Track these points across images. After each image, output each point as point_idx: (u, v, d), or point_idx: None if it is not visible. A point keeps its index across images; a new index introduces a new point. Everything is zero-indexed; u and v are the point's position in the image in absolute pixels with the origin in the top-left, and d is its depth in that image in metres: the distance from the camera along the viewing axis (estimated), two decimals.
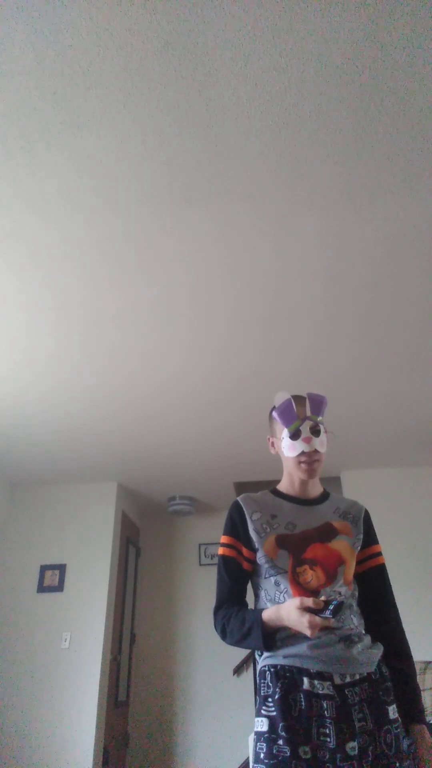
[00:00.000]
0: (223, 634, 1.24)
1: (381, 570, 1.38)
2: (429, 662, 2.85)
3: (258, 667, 1.22)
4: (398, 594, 4.17)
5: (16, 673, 3.82)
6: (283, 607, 1.12)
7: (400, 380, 3.12)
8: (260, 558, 1.27)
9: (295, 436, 1.32)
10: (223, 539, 1.35)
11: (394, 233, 2.08)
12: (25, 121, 1.63)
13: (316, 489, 1.40)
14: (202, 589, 4.95)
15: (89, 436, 3.68)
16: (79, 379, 2.99)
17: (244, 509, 1.34)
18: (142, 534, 5.30)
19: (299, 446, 1.31)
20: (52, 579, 4.13)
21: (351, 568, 1.26)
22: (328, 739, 1.03)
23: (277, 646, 1.16)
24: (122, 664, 4.35)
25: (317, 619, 1.05)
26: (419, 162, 1.79)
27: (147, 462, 4.13)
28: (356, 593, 1.28)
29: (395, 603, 1.38)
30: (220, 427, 3.61)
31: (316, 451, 1.32)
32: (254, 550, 1.28)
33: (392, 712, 1.11)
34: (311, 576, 1.20)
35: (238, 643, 1.21)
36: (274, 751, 1.04)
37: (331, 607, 1.06)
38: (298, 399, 1.37)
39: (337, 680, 1.09)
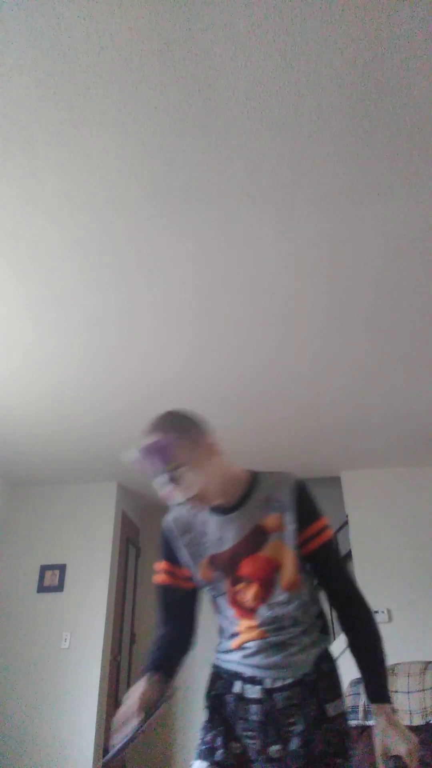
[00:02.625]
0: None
1: (325, 550, 1.21)
2: (429, 662, 2.85)
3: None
4: (398, 594, 4.19)
5: (16, 673, 3.82)
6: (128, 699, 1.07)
7: (401, 380, 3.12)
8: (199, 582, 1.23)
9: (160, 490, 1.18)
10: (158, 566, 1.29)
11: (395, 233, 2.08)
12: (25, 121, 1.63)
13: (237, 488, 1.22)
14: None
15: (89, 436, 3.68)
16: (80, 380, 2.99)
17: (172, 535, 1.26)
18: (142, 534, 5.30)
19: (169, 500, 1.18)
20: (52, 579, 4.13)
21: (288, 569, 1.16)
22: (253, 743, 1.07)
23: (218, 652, 1.21)
24: (122, 664, 4.35)
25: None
26: (419, 162, 1.79)
27: None
28: (303, 591, 1.19)
29: (347, 581, 1.23)
30: (221, 427, 3.60)
31: (189, 499, 1.15)
32: (191, 574, 1.24)
33: (333, 709, 1.09)
34: (249, 594, 1.16)
35: None
36: (207, 737, 1.11)
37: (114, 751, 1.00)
38: (143, 452, 1.17)
39: (267, 684, 1.10)
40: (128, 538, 4.77)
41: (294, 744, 1.04)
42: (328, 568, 1.23)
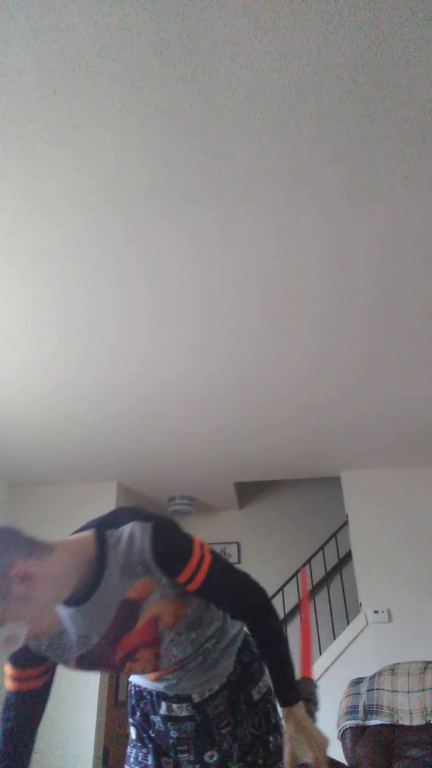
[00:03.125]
0: None
1: (208, 584, 1.03)
2: (429, 662, 2.85)
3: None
4: (398, 594, 4.19)
5: None
6: None
7: (401, 380, 3.12)
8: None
9: None
10: (5, 670, 1.09)
11: (395, 233, 2.08)
12: (25, 121, 1.63)
13: (83, 571, 0.98)
14: None
15: (89, 436, 3.68)
16: (80, 380, 2.99)
17: (30, 646, 1.06)
18: None
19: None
20: None
21: (167, 613, 1.03)
22: (186, 755, 1.07)
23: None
24: None
25: None
26: (419, 162, 1.79)
27: (147, 462, 4.14)
28: (190, 610, 1.07)
29: (241, 594, 1.08)
30: (221, 427, 3.61)
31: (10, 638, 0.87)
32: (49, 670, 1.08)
33: (257, 692, 1.09)
34: (141, 666, 1.05)
35: None
36: (140, 758, 1.11)
37: None
38: None
39: (196, 699, 1.07)
40: None
41: (227, 743, 1.05)
42: (218, 596, 1.07)
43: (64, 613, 0.98)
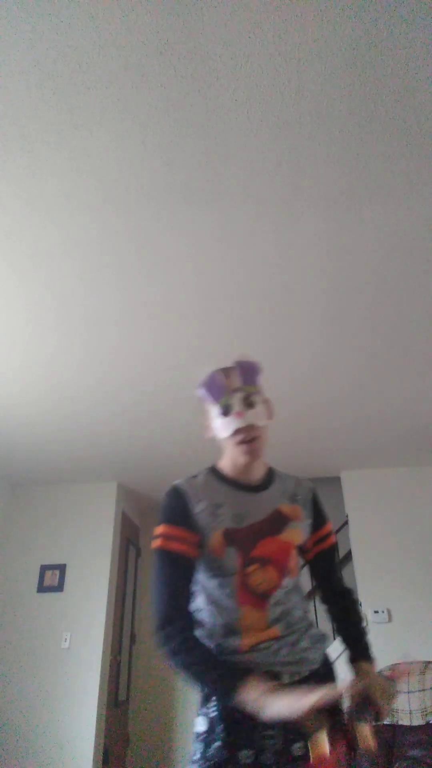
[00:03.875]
0: (184, 668, 1.00)
1: (331, 551, 1.27)
2: (429, 662, 2.85)
3: None
4: (398, 594, 4.18)
5: (16, 672, 3.82)
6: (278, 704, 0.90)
7: (400, 380, 3.12)
8: (205, 556, 1.10)
9: (226, 411, 1.15)
10: (165, 530, 1.11)
11: (395, 233, 2.08)
12: (25, 121, 1.63)
13: (260, 470, 1.22)
14: None
15: (89, 436, 3.68)
16: (80, 379, 2.99)
17: (188, 497, 1.14)
18: (142, 534, 5.30)
19: (232, 423, 1.13)
20: (52, 579, 4.13)
21: (294, 557, 1.16)
22: (273, 741, 0.95)
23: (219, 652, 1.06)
24: (122, 664, 4.35)
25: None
26: (419, 162, 1.79)
27: (147, 462, 4.14)
28: (299, 584, 1.19)
29: (342, 578, 1.31)
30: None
31: (252, 426, 1.14)
32: (199, 545, 1.10)
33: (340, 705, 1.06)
34: (262, 578, 1.07)
35: (196, 686, 1.05)
36: (209, 754, 0.96)
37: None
38: (226, 370, 1.20)
39: (285, 679, 1.01)
40: (128, 538, 4.77)
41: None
42: (331, 567, 1.28)
43: (229, 492, 1.16)
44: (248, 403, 1.16)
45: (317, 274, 2.29)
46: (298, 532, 1.17)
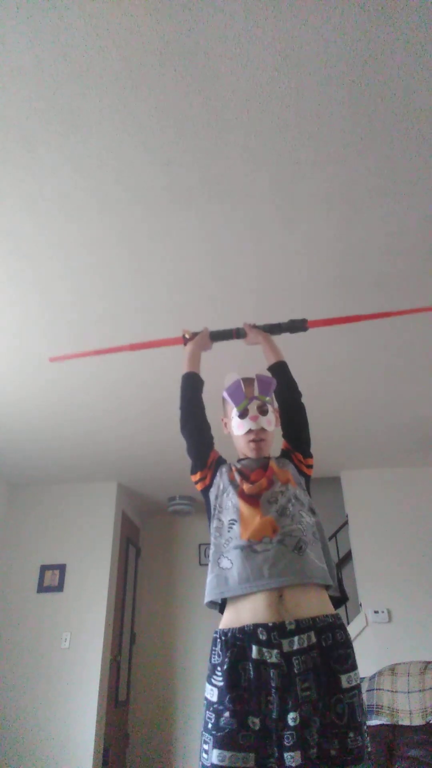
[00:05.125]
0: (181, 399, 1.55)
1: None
2: (429, 662, 2.85)
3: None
4: (398, 594, 4.17)
5: (16, 673, 3.82)
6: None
7: (400, 380, 3.12)
8: (224, 479, 1.37)
9: (243, 414, 1.40)
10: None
11: (395, 233, 2.08)
12: (25, 121, 1.63)
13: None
14: (202, 589, 4.94)
15: (89, 436, 3.68)
16: (79, 379, 2.99)
17: (224, 460, 1.46)
18: (142, 534, 5.30)
19: (247, 424, 1.39)
20: (52, 579, 4.13)
21: (280, 471, 1.35)
22: (272, 708, 1.02)
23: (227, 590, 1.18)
24: (122, 664, 4.35)
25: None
26: (418, 162, 1.79)
27: (147, 462, 4.14)
28: (300, 491, 1.33)
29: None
30: (220, 427, 3.60)
31: (263, 429, 1.39)
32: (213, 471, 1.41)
33: (346, 681, 1.06)
34: (252, 487, 1.29)
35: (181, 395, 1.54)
36: (221, 723, 1.02)
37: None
38: (247, 380, 1.45)
39: (285, 647, 1.06)
40: (128, 538, 4.77)
41: (307, 709, 1.01)
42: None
43: (244, 460, 1.43)
44: (262, 411, 1.40)
45: (317, 275, 2.29)
46: (281, 466, 1.40)
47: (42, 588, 4.09)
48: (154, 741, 4.45)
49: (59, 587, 4.09)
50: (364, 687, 2.90)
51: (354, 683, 1.07)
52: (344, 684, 1.05)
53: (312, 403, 3.32)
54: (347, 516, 4.45)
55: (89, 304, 2.41)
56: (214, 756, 0.99)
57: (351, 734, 1.01)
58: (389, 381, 3.12)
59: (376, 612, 3.94)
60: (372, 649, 3.79)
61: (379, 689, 2.82)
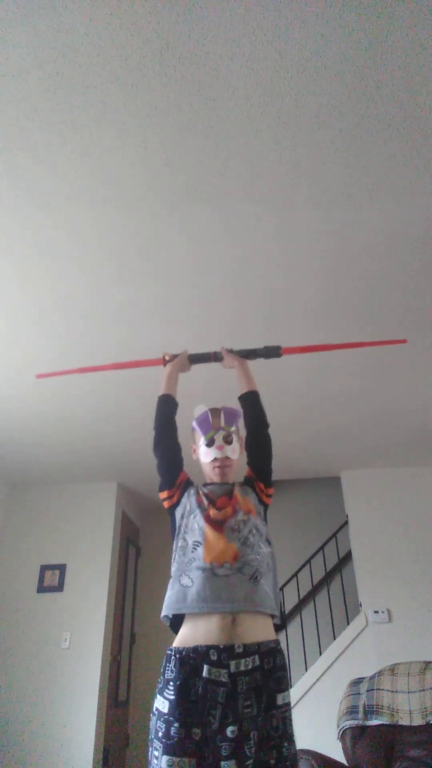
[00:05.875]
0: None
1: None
2: (429, 662, 2.84)
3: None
4: (398, 594, 4.17)
5: (16, 673, 3.82)
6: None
7: (400, 380, 3.12)
8: (191, 501, 1.46)
9: (210, 443, 1.51)
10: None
11: (394, 233, 2.08)
12: (26, 121, 1.63)
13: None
14: None
15: (89, 436, 3.68)
16: (79, 379, 2.99)
17: (192, 483, 1.56)
18: (142, 534, 5.30)
19: (213, 453, 1.50)
20: (52, 579, 4.13)
21: (243, 501, 1.46)
22: (213, 721, 1.14)
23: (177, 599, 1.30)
24: (122, 664, 4.35)
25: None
26: (418, 162, 1.79)
27: (147, 462, 4.12)
28: (260, 521, 1.44)
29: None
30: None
31: (227, 458, 1.50)
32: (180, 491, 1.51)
33: (281, 699, 1.21)
34: (217, 513, 1.40)
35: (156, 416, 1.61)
36: (171, 732, 1.14)
37: None
38: (214, 411, 1.58)
39: (232, 668, 1.18)
40: (128, 538, 4.77)
41: (247, 724, 1.14)
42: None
43: (210, 485, 1.54)
44: (227, 440, 1.52)
45: (318, 274, 2.29)
46: (244, 494, 1.51)
47: (42, 588, 4.09)
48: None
49: (59, 587, 4.09)
50: (365, 687, 2.90)
51: (287, 701, 1.23)
52: (279, 702, 1.21)
53: (312, 403, 3.34)
54: (347, 516, 4.45)
55: (102, 302, 2.41)
56: (164, 762, 1.12)
57: (285, 744, 1.17)
58: (390, 381, 3.12)
59: (376, 612, 3.94)
60: (372, 649, 3.79)
61: (379, 689, 2.82)
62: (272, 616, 1.33)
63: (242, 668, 1.19)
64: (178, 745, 1.12)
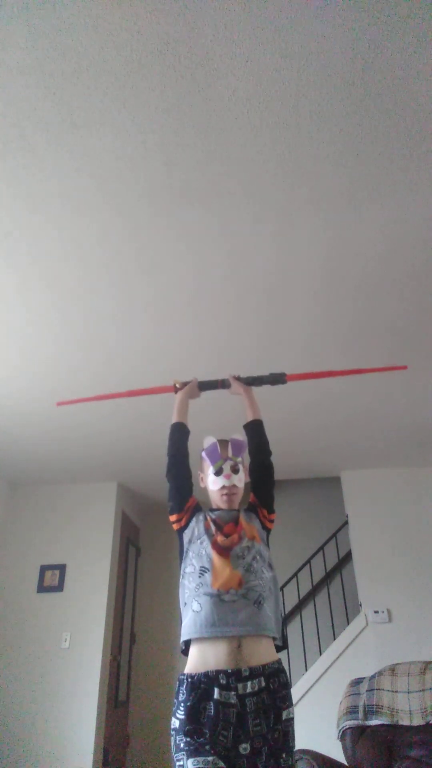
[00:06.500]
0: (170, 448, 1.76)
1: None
2: (429, 662, 2.84)
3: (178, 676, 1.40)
4: (398, 594, 4.18)
5: (16, 673, 3.82)
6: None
7: (400, 380, 3.12)
8: (200, 527, 1.55)
9: (218, 472, 1.61)
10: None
11: (394, 233, 2.08)
12: (25, 121, 1.63)
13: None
14: None
15: (89, 436, 3.68)
16: (79, 378, 2.99)
17: (201, 507, 1.66)
18: (142, 534, 5.30)
19: (221, 481, 1.59)
20: (52, 579, 4.13)
21: (249, 527, 1.54)
22: (225, 740, 1.23)
23: (194, 632, 1.37)
24: (122, 664, 4.35)
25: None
26: (418, 162, 1.79)
27: (147, 462, 4.13)
28: (263, 547, 1.53)
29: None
30: (220, 427, 3.60)
31: (234, 485, 1.60)
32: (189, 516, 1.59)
33: (285, 714, 1.31)
34: (224, 540, 1.48)
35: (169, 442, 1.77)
36: (192, 739, 1.24)
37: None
38: (223, 442, 1.67)
39: (240, 690, 1.28)
40: (128, 538, 4.77)
41: (257, 741, 1.25)
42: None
43: (218, 510, 1.63)
44: (234, 470, 1.62)
45: (317, 274, 2.29)
46: (248, 521, 1.61)
47: (42, 588, 4.09)
48: (154, 741, 4.45)
49: (59, 587, 4.09)
50: (365, 687, 2.90)
51: (291, 716, 1.33)
52: (284, 717, 1.31)
53: (312, 403, 3.34)
54: (347, 516, 4.45)
55: (101, 302, 2.41)
56: (190, 764, 1.21)
57: (284, 755, 1.26)
58: (390, 381, 3.12)
59: (376, 612, 3.94)
60: (372, 649, 3.80)
61: (379, 689, 2.82)
62: (274, 638, 1.42)
63: (249, 690, 1.28)
64: (202, 748, 1.22)
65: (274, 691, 1.31)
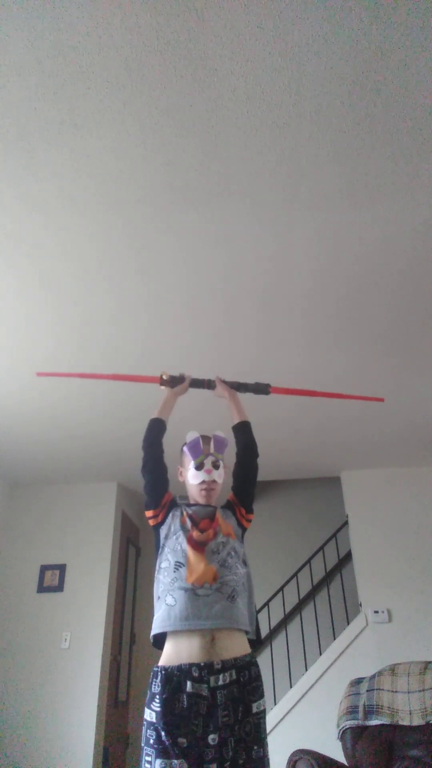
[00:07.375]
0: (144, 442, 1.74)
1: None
2: (429, 662, 2.84)
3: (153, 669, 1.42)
4: (398, 594, 4.17)
5: (16, 673, 3.82)
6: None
7: (400, 380, 3.12)
8: (176, 522, 1.57)
9: (199, 467, 1.64)
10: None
11: (392, 234, 2.08)
12: (25, 121, 1.63)
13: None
14: None
15: (89, 436, 3.68)
16: (78, 378, 2.99)
17: (177, 503, 1.68)
18: (142, 534, 5.30)
19: (201, 476, 1.63)
20: (52, 579, 4.12)
21: (224, 524, 1.57)
22: (197, 731, 1.27)
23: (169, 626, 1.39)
24: (122, 664, 4.35)
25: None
26: (418, 162, 1.79)
27: None
28: (237, 544, 1.56)
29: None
30: (220, 427, 3.60)
31: (214, 481, 1.63)
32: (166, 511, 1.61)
33: (255, 707, 1.35)
34: (200, 536, 1.51)
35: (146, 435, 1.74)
36: (162, 738, 1.27)
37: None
38: (205, 438, 1.70)
39: (212, 683, 1.32)
40: (128, 538, 4.77)
41: (225, 732, 1.28)
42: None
43: (195, 506, 1.65)
44: (215, 466, 1.65)
45: (315, 275, 2.29)
46: (225, 518, 1.64)
47: (42, 588, 4.09)
48: None
49: (59, 587, 4.09)
50: (365, 687, 2.90)
51: (261, 709, 1.36)
52: (254, 710, 1.34)
53: (312, 403, 3.34)
54: (347, 516, 4.44)
55: (99, 302, 2.41)
56: (157, 765, 1.24)
57: (255, 747, 1.30)
58: (390, 381, 3.12)
59: (376, 612, 3.94)
60: (372, 649, 3.79)
61: (379, 689, 2.82)
62: (246, 632, 1.46)
63: (221, 683, 1.32)
64: (169, 750, 1.25)
65: (243, 683, 1.35)
